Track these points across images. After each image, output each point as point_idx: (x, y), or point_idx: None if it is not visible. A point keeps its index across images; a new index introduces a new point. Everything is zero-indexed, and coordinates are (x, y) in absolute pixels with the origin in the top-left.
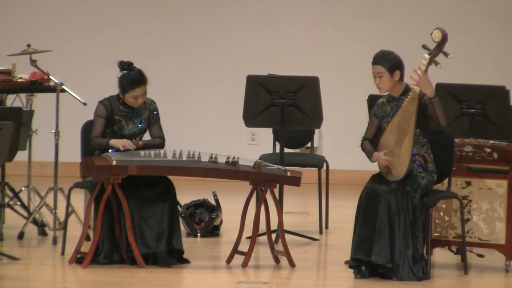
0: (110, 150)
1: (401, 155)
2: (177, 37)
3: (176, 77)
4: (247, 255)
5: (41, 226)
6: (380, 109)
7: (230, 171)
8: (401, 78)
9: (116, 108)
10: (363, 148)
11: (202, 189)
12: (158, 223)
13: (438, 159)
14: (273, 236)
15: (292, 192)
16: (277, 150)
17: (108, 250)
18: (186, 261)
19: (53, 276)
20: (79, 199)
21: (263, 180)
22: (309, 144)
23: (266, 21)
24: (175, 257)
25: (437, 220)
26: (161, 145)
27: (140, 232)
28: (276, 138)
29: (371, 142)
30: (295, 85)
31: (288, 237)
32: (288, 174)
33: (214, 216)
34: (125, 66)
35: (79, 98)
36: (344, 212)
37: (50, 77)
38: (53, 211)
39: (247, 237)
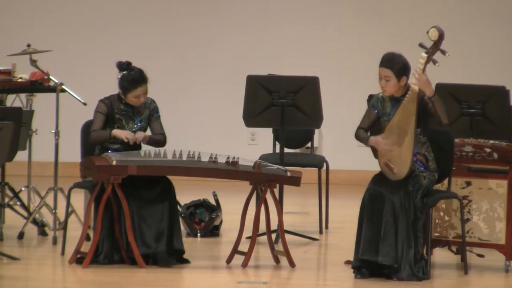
0: (109, 151)
1: (402, 154)
2: (177, 37)
3: (176, 77)
4: (247, 255)
5: (41, 226)
6: (379, 104)
7: (230, 171)
8: (406, 82)
9: (116, 107)
10: (357, 136)
11: (202, 189)
12: (157, 223)
13: (438, 159)
14: (273, 236)
15: (292, 192)
16: (277, 150)
17: (108, 250)
18: (186, 261)
19: (53, 276)
20: (79, 199)
21: (263, 180)
22: (309, 144)
23: (266, 21)
24: (175, 257)
25: (437, 220)
26: (163, 141)
27: (140, 232)
28: (276, 138)
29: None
30: (295, 85)
31: (288, 237)
32: (288, 174)
33: (214, 216)
34: (124, 66)
35: (79, 98)
36: (344, 212)
37: (50, 77)
38: (53, 211)
39: (247, 237)
